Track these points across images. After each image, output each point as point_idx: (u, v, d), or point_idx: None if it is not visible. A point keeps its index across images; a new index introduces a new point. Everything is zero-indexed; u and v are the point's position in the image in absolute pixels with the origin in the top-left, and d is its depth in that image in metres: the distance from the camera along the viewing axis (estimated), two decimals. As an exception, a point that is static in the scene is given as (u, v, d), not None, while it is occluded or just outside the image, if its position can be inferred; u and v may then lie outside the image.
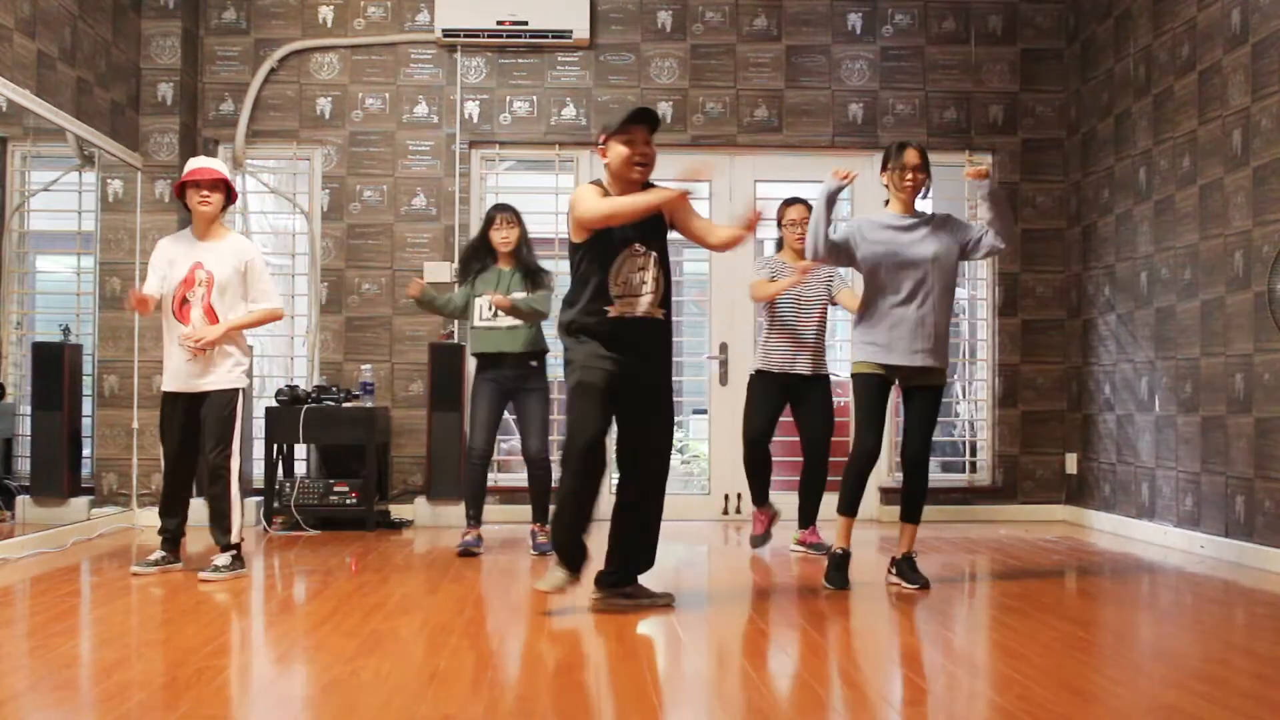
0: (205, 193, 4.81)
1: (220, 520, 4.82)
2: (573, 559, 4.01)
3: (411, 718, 2.68)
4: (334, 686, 2.98)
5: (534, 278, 5.58)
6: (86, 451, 6.52)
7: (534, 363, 5.60)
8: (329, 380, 6.87)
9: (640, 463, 4.10)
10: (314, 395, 6.52)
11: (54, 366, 6.23)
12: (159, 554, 4.90)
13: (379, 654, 3.33)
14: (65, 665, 3.27)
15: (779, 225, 5.71)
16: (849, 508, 4.59)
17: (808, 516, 5.55)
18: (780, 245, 5.70)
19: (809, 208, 5.60)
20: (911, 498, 4.63)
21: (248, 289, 4.87)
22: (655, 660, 3.35)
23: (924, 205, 4.85)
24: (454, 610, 4.07)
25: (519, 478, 6.55)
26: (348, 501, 6.36)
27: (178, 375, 4.85)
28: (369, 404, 6.59)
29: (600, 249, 4.00)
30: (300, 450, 6.75)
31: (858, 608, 4.27)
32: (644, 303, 4.01)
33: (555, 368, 7.48)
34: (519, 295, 5.52)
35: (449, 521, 6.53)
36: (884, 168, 4.62)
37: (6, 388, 6.13)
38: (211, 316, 4.79)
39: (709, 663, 3.43)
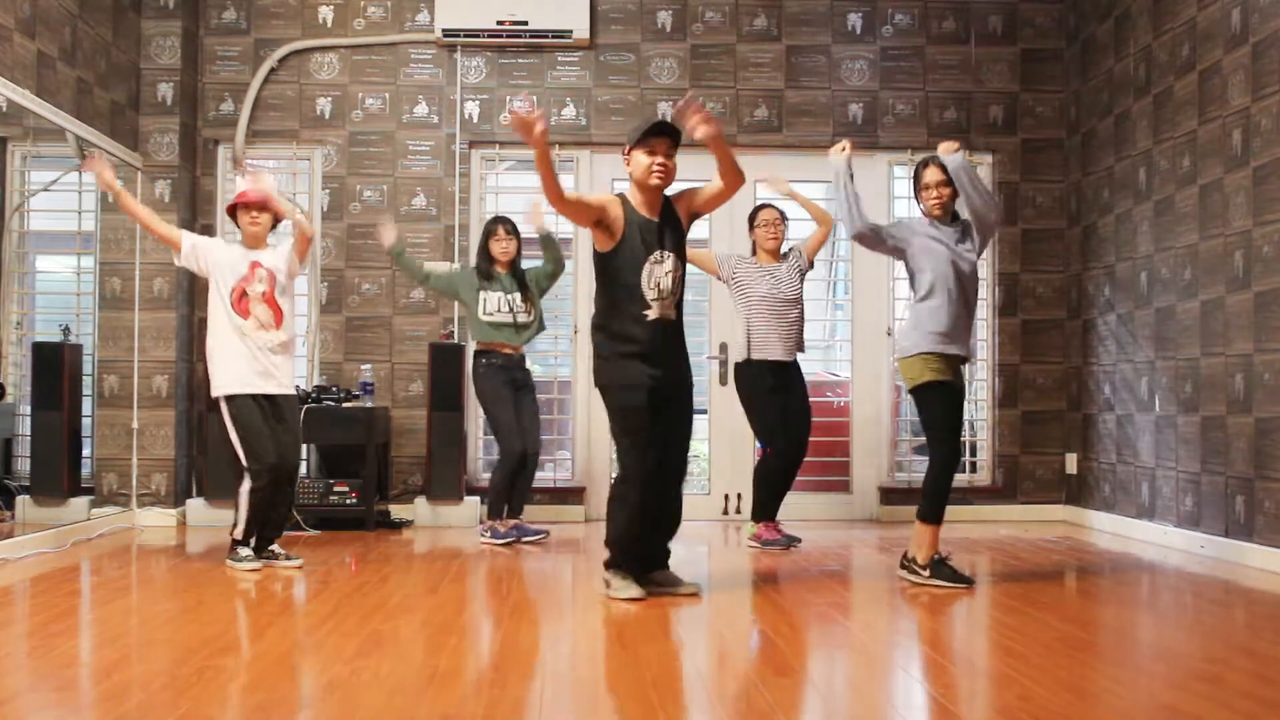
0: (255, 213, 5.10)
1: (283, 524, 5.17)
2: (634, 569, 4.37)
3: (411, 718, 2.68)
4: (334, 686, 2.98)
5: (523, 279, 6.04)
6: (86, 451, 6.53)
7: (528, 363, 6.11)
8: (329, 380, 6.88)
9: (664, 466, 4.34)
10: (314, 395, 6.53)
11: (54, 366, 6.23)
12: (260, 562, 5.02)
13: (379, 654, 3.33)
14: (65, 665, 3.27)
15: (751, 229, 5.88)
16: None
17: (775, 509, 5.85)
18: (754, 249, 5.88)
19: (780, 211, 5.78)
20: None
21: (290, 257, 5.15)
22: (655, 660, 3.35)
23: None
24: (454, 610, 4.07)
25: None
26: (348, 501, 6.36)
27: (247, 375, 4.97)
28: (369, 404, 6.59)
29: (625, 258, 4.23)
30: (300, 450, 6.74)
31: (858, 608, 4.27)
32: (666, 305, 4.27)
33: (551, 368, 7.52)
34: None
35: (449, 521, 6.53)
36: (914, 185, 4.82)
37: (6, 388, 6.13)
38: (275, 308, 5.05)
39: (709, 663, 3.43)
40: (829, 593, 4.49)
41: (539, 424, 6.06)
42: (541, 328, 6.13)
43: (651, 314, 4.22)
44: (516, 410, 5.91)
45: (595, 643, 3.63)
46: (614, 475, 4.51)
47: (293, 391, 5.14)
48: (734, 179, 4.27)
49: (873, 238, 4.71)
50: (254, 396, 4.94)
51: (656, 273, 4.22)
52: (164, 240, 5.13)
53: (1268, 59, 5.15)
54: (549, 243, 6.07)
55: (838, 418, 7.20)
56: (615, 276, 4.24)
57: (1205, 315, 5.62)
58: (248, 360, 4.95)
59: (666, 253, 4.25)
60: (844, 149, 4.76)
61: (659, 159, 4.19)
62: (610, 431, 4.46)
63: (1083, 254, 6.95)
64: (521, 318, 5.96)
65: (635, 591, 4.23)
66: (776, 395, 5.73)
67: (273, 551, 5.04)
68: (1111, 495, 6.56)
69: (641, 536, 4.32)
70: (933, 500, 4.58)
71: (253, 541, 5.00)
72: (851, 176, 4.72)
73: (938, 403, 4.59)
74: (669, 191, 4.36)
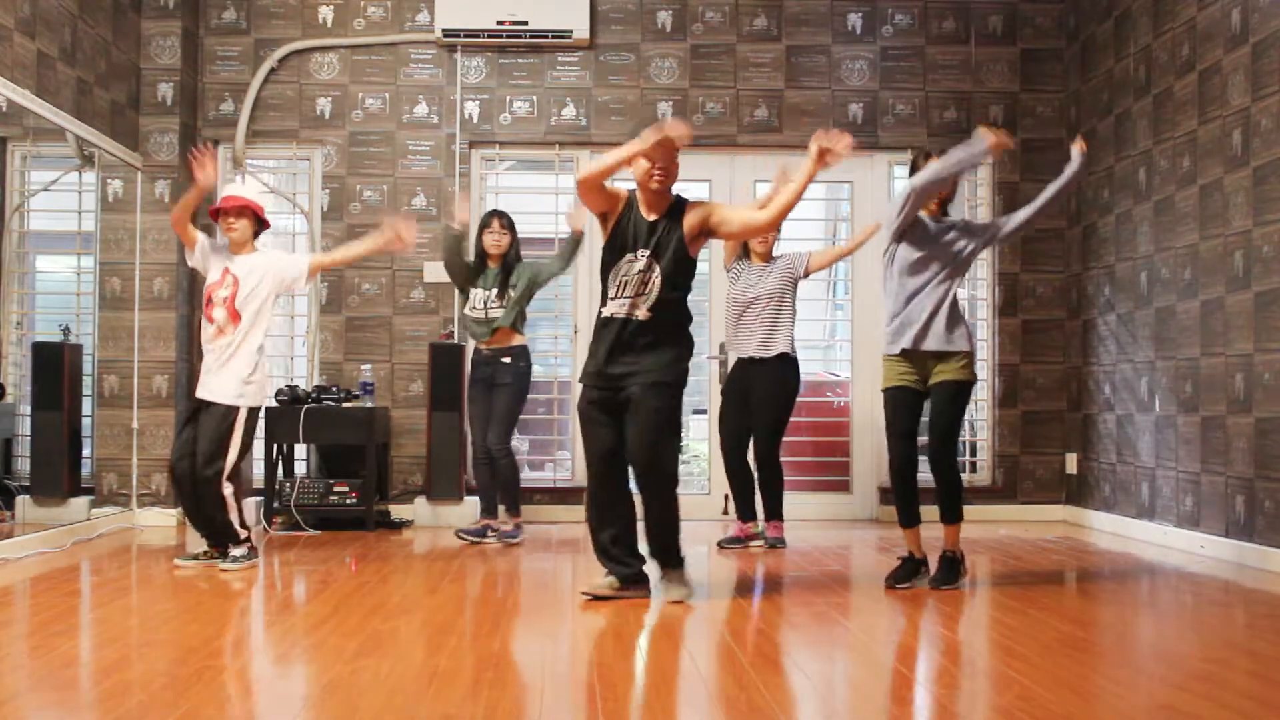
0: (231, 220, 5.05)
1: (211, 528, 4.99)
2: (615, 566, 4.30)
3: (411, 718, 2.68)
4: (334, 686, 2.98)
5: (506, 278, 5.89)
6: (86, 451, 6.53)
7: (506, 359, 5.89)
8: (329, 380, 6.88)
9: (630, 452, 4.29)
10: (314, 395, 6.53)
11: (54, 366, 6.23)
12: (203, 549, 5.07)
13: (379, 654, 3.33)
14: (65, 665, 3.27)
15: None
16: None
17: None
18: (746, 251, 5.86)
19: None
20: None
21: (284, 277, 5.11)
22: (655, 660, 3.35)
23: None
24: (454, 610, 4.08)
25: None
26: (348, 501, 6.36)
27: (201, 377, 5.04)
28: (369, 404, 6.59)
29: (608, 254, 4.28)
30: (300, 450, 6.75)
31: (858, 608, 4.27)
32: (630, 303, 4.21)
33: (547, 366, 7.52)
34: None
35: (449, 521, 6.53)
36: (910, 175, 4.71)
37: (6, 388, 6.13)
38: (234, 316, 4.97)
39: (709, 663, 3.43)
40: (829, 593, 4.49)
41: (503, 423, 5.85)
42: (511, 325, 5.85)
43: (608, 310, 4.24)
44: (483, 407, 5.89)
45: (595, 643, 3.63)
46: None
47: (223, 401, 4.91)
48: (778, 220, 4.39)
49: (913, 201, 4.56)
50: (193, 398, 5.03)
51: (624, 271, 4.22)
52: (181, 235, 5.10)
53: (1268, 59, 5.15)
54: (575, 244, 5.92)
55: (838, 418, 7.21)
56: (602, 270, 4.32)
57: (1205, 315, 5.62)
58: (201, 366, 5.04)
59: (643, 251, 4.21)
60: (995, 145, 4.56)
61: (658, 165, 4.17)
62: None
63: (1083, 254, 6.95)
64: (493, 312, 5.86)
65: (590, 586, 4.28)
66: (730, 394, 5.79)
67: (208, 552, 5.04)
68: (1111, 495, 6.56)
69: (601, 530, 4.28)
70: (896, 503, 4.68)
71: (240, 539, 5.03)
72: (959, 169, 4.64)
73: (886, 406, 4.67)
74: (691, 198, 4.36)
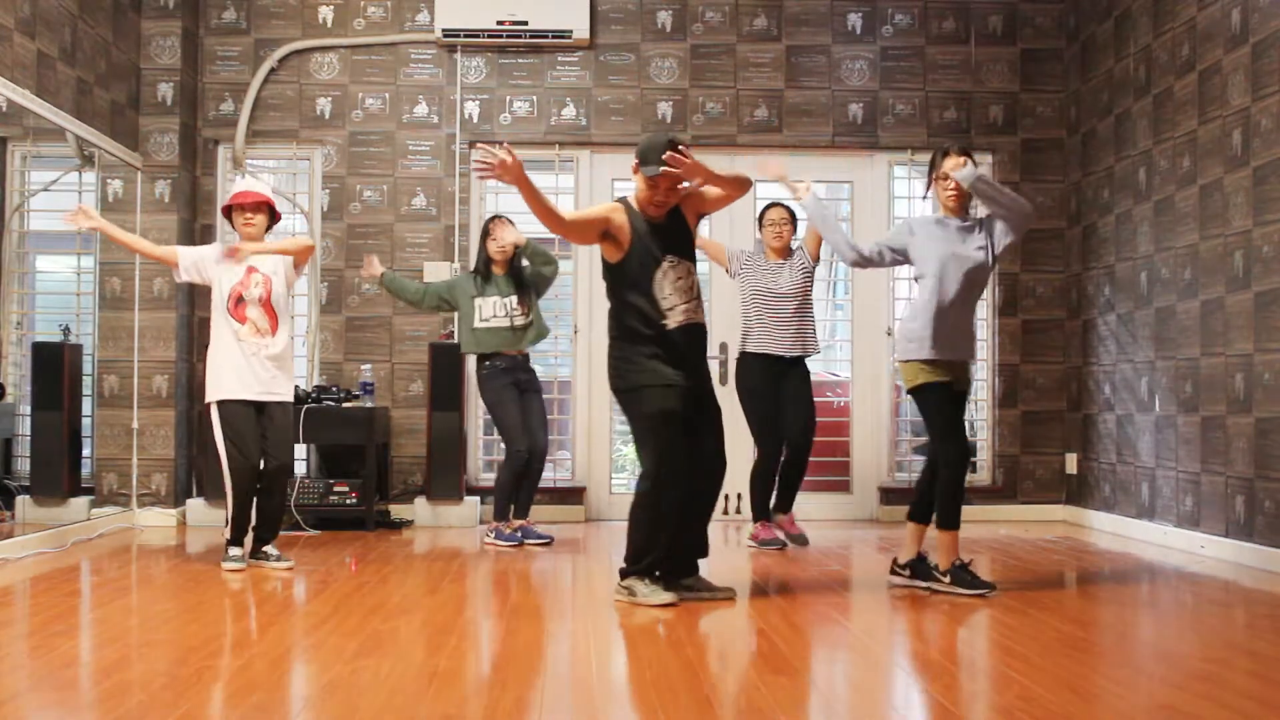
0: (249, 215, 5.05)
1: (278, 524, 5.14)
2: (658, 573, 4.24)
3: (411, 718, 2.69)
4: (334, 686, 2.98)
5: (521, 281, 5.94)
6: (86, 451, 6.53)
7: (533, 365, 6.05)
8: (329, 380, 6.88)
9: (702, 458, 4.25)
10: (314, 395, 6.53)
11: (54, 366, 6.23)
12: (243, 553, 5.03)
13: (379, 654, 3.33)
14: (65, 665, 3.27)
15: (759, 228, 5.88)
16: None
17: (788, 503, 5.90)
18: (764, 247, 5.87)
19: (789, 210, 5.75)
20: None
21: (288, 269, 5.12)
22: (655, 660, 3.35)
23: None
24: (454, 610, 4.08)
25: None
26: (348, 501, 6.36)
27: (243, 383, 4.94)
28: (369, 404, 6.59)
29: (636, 267, 4.17)
30: (300, 450, 6.74)
31: (858, 608, 4.27)
32: (689, 309, 4.19)
33: (550, 368, 7.52)
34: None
35: (449, 521, 6.53)
36: (929, 172, 4.59)
37: (6, 388, 6.13)
38: (271, 313, 5.00)
39: (709, 663, 3.43)
40: (829, 593, 4.49)
41: (546, 426, 5.99)
42: (542, 333, 5.99)
43: (671, 322, 4.14)
44: (523, 411, 5.86)
45: (595, 643, 3.63)
46: (636, 477, 4.41)
47: (289, 399, 5.09)
48: (738, 191, 4.28)
49: (873, 260, 4.57)
50: (246, 401, 4.93)
51: (671, 278, 4.15)
52: (160, 261, 5.16)
53: (1268, 59, 5.15)
54: (534, 251, 5.88)
55: (838, 418, 7.20)
56: (629, 287, 4.16)
57: (1205, 315, 5.62)
58: (243, 368, 4.92)
59: (674, 257, 4.17)
60: (807, 186, 4.64)
61: (659, 196, 4.15)
62: (633, 436, 4.38)
63: (1083, 254, 6.95)
64: (518, 320, 5.87)
65: (667, 597, 4.12)
66: (767, 392, 5.71)
67: (265, 553, 5.02)
68: (1111, 495, 6.56)
69: (672, 539, 4.18)
70: (946, 503, 4.41)
71: (248, 541, 5.01)
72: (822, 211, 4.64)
73: (932, 403, 4.46)
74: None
